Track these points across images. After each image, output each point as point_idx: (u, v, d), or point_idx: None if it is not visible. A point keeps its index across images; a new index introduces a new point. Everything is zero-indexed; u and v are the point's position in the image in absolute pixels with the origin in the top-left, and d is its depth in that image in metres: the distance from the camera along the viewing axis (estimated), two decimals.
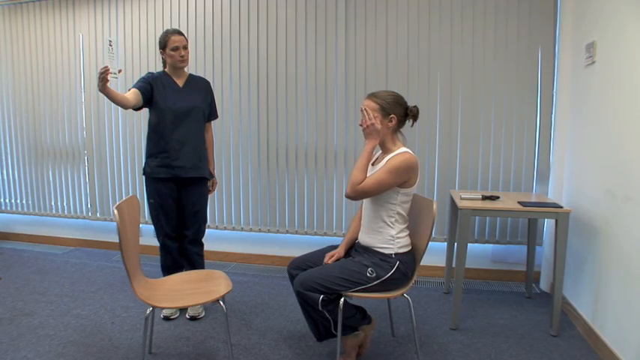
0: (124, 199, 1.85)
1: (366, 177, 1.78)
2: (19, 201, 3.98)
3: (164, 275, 2.49)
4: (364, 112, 1.82)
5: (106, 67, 2.01)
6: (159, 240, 2.51)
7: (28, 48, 3.75)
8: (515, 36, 2.85)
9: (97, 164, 3.68)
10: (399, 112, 1.83)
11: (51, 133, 3.78)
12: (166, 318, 2.45)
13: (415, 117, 1.87)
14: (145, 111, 2.49)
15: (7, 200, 4.02)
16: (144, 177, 2.52)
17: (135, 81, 3.47)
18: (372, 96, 1.84)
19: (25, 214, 3.97)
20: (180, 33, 2.34)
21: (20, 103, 3.84)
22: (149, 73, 2.44)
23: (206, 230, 2.65)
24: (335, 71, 3.12)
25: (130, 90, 2.32)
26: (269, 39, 3.21)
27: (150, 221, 3.51)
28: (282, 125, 3.24)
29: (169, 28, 2.40)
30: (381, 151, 1.94)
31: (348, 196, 1.80)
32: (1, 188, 4.02)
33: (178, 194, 2.49)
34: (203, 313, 2.50)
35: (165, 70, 2.44)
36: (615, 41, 2.09)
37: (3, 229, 4.13)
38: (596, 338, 2.13)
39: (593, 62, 2.33)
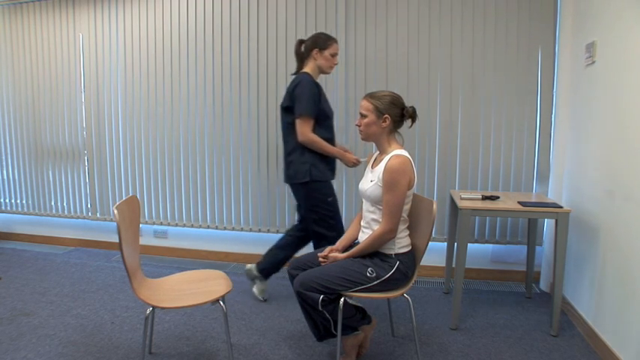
0: (124, 199, 1.85)
1: (385, 229, 1.78)
2: (19, 201, 3.98)
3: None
4: (359, 113, 1.88)
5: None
6: (330, 236, 2.40)
7: (28, 48, 3.75)
8: (515, 36, 2.85)
9: (97, 164, 3.68)
10: (394, 113, 1.83)
11: (51, 133, 3.78)
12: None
13: (412, 117, 1.87)
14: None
15: (7, 200, 4.02)
16: (304, 184, 2.39)
17: (140, 80, 3.49)
18: (367, 96, 1.85)
19: (25, 214, 3.97)
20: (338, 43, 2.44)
21: (20, 103, 3.84)
22: (311, 80, 2.33)
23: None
24: (335, 71, 3.12)
25: (312, 126, 2.34)
26: (269, 39, 3.20)
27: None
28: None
29: (323, 33, 2.41)
30: (378, 152, 1.95)
31: (392, 231, 1.80)
32: (1, 188, 4.02)
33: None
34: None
35: (308, 72, 2.40)
36: (615, 41, 2.09)
37: (3, 229, 4.13)
38: (596, 338, 2.13)
39: (593, 62, 2.33)
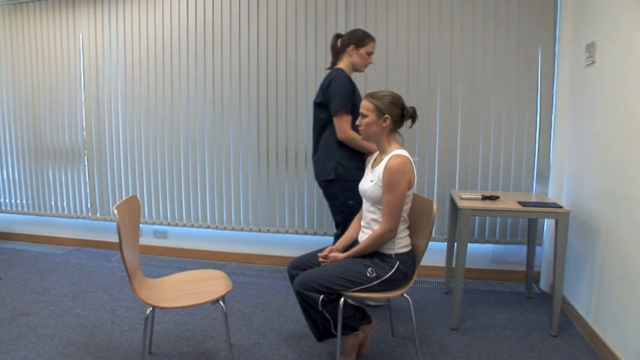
0: (124, 199, 1.85)
1: (384, 228, 1.78)
2: (19, 201, 3.98)
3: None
4: (360, 113, 1.87)
5: None
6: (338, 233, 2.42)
7: (28, 48, 3.75)
8: (515, 36, 2.85)
9: (97, 164, 3.68)
10: (395, 113, 1.83)
11: (51, 133, 3.78)
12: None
13: (412, 118, 1.87)
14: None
15: (7, 200, 4.02)
16: (330, 182, 2.35)
17: (140, 80, 3.49)
18: (368, 96, 1.85)
19: (25, 214, 3.97)
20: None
21: (20, 103, 3.84)
22: (346, 76, 2.29)
23: None
24: None
25: (350, 123, 2.28)
26: (269, 39, 3.21)
27: (151, 221, 3.52)
28: (281, 125, 3.24)
29: (361, 29, 2.36)
30: (379, 152, 1.95)
31: (392, 231, 1.79)
32: (1, 188, 4.02)
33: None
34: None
35: (342, 67, 2.35)
36: (615, 41, 2.09)
37: (3, 229, 4.13)
38: (596, 338, 2.13)
39: (593, 62, 2.33)
